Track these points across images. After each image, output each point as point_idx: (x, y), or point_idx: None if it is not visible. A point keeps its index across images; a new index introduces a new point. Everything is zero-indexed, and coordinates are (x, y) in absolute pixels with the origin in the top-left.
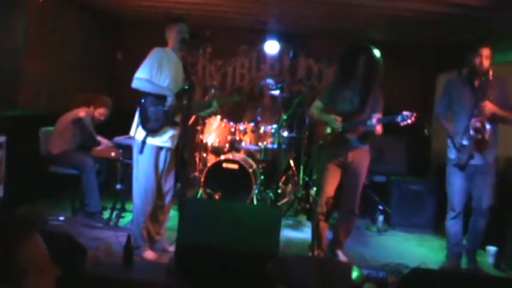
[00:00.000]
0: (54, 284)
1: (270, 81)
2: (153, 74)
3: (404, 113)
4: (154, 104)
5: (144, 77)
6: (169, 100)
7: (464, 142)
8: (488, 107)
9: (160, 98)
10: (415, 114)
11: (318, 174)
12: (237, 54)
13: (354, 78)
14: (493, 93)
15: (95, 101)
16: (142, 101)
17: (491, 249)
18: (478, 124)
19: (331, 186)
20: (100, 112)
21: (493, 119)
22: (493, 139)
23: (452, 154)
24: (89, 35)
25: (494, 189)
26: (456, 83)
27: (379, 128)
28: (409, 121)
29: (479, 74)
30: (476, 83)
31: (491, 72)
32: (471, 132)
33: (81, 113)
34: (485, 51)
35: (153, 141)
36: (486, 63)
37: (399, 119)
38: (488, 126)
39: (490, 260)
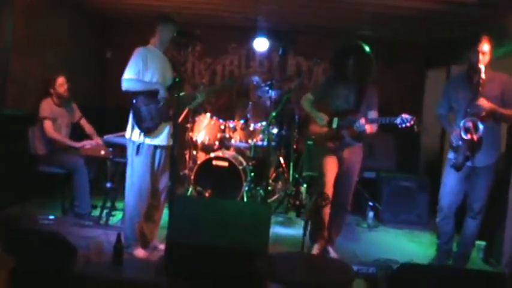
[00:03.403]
0: (7, 275)
1: (256, 78)
2: (140, 73)
3: (404, 115)
4: (146, 103)
5: (131, 77)
6: (161, 93)
7: (458, 142)
8: (484, 105)
9: (151, 96)
10: (414, 118)
11: (318, 163)
12: (226, 52)
13: (346, 78)
14: (492, 91)
15: (48, 82)
16: (134, 101)
17: (480, 243)
18: (469, 124)
19: (332, 171)
20: (59, 84)
21: (493, 117)
22: (492, 140)
23: (450, 154)
24: (77, 34)
25: (490, 191)
26: (454, 82)
27: (368, 127)
28: (408, 124)
29: (477, 71)
30: (474, 80)
31: (483, 69)
32: (462, 132)
33: (42, 112)
34: (483, 47)
35: (150, 140)
36: (484, 59)
37: (398, 121)
38: (481, 126)
39: (479, 254)
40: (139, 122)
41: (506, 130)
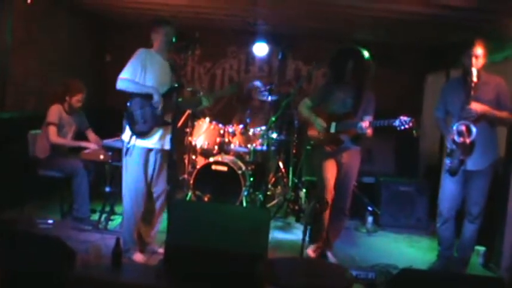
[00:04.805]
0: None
1: (257, 83)
2: (137, 75)
3: (402, 117)
4: (141, 106)
5: (127, 78)
6: (155, 98)
7: (452, 146)
8: (476, 109)
9: (147, 99)
10: (413, 120)
11: (317, 167)
12: (225, 56)
13: (344, 82)
14: (487, 94)
15: (68, 90)
16: (128, 103)
17: (480, 248)
18: (462, 127)
19: (331, 174)
20: (77, 99)
21: (487, 120)
22: (487, 143)
23: (446, 159)
24: (77, 36)
25: (487, 195)
26: (450, 86)
27: (369, 131)
28: (406, 126)
29: (471, 74)
30: (468, 84)
31: (475, 73)
32: (455, 136)
33: (49, 117)
34: (476, 51)
35: (142, 143)
36: (477, 63)
37: (397, 123)
38: (474, 130)
39: (479, 259)
40: (131, 124)
41: (506, 134)
